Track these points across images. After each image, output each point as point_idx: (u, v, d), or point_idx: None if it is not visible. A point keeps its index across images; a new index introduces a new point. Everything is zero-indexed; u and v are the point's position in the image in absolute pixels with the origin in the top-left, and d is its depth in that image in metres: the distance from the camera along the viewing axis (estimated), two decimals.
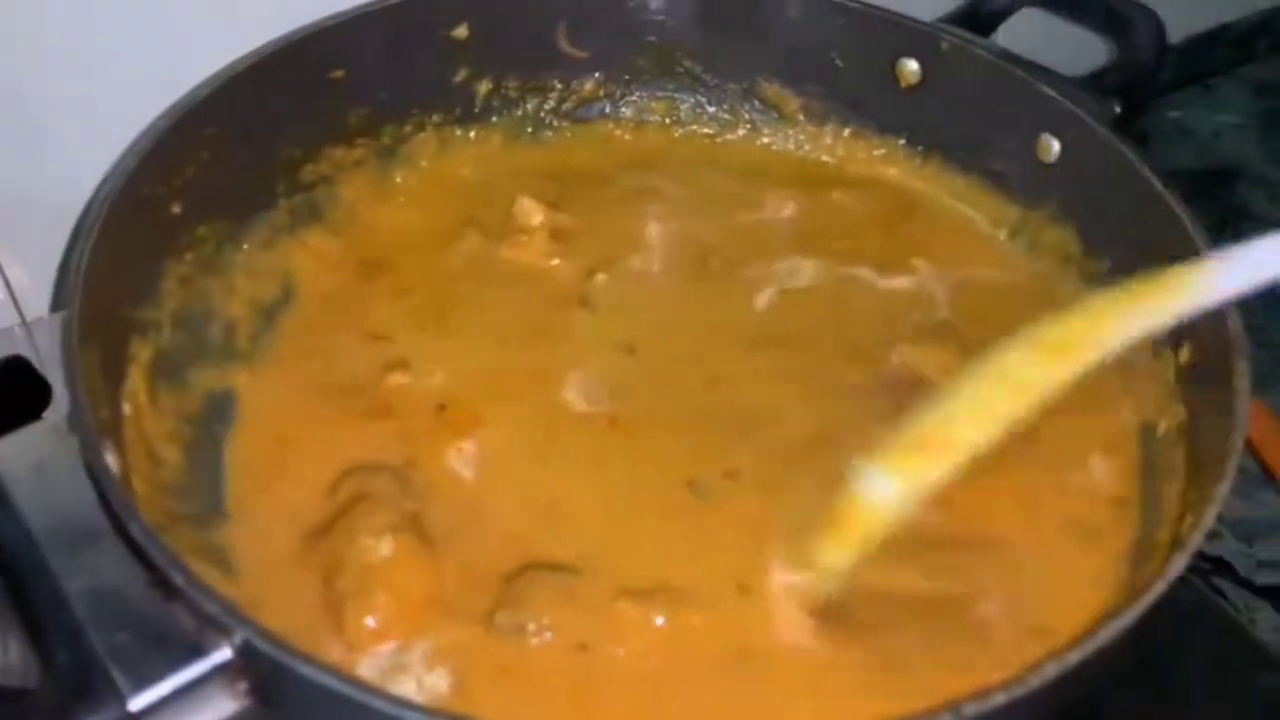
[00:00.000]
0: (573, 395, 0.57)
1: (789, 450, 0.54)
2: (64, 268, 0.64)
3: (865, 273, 0.64)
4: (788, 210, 0.67)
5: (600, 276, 0.62)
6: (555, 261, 0.63)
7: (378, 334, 0.59)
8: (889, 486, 0.45)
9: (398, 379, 0.57)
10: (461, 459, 0.54)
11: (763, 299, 0.62)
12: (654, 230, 0.66)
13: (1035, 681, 0.37)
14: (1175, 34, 0.65)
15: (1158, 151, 1.07)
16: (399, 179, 0.67)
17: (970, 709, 0.36)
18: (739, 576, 0.49)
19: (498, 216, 0.65)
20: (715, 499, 0.52)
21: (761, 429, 0.55)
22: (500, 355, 0.59)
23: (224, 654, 0.39)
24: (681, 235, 0.66)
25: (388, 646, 0.46)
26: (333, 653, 0.46)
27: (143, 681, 0.39)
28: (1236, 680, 0.60)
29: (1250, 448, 0.81)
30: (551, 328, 0.60)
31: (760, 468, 0.53)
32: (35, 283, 0.66)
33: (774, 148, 0.71)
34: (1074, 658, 0.38)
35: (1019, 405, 0.44)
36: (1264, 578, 0.78)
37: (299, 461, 0.53)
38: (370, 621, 0.46)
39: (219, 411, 0.55)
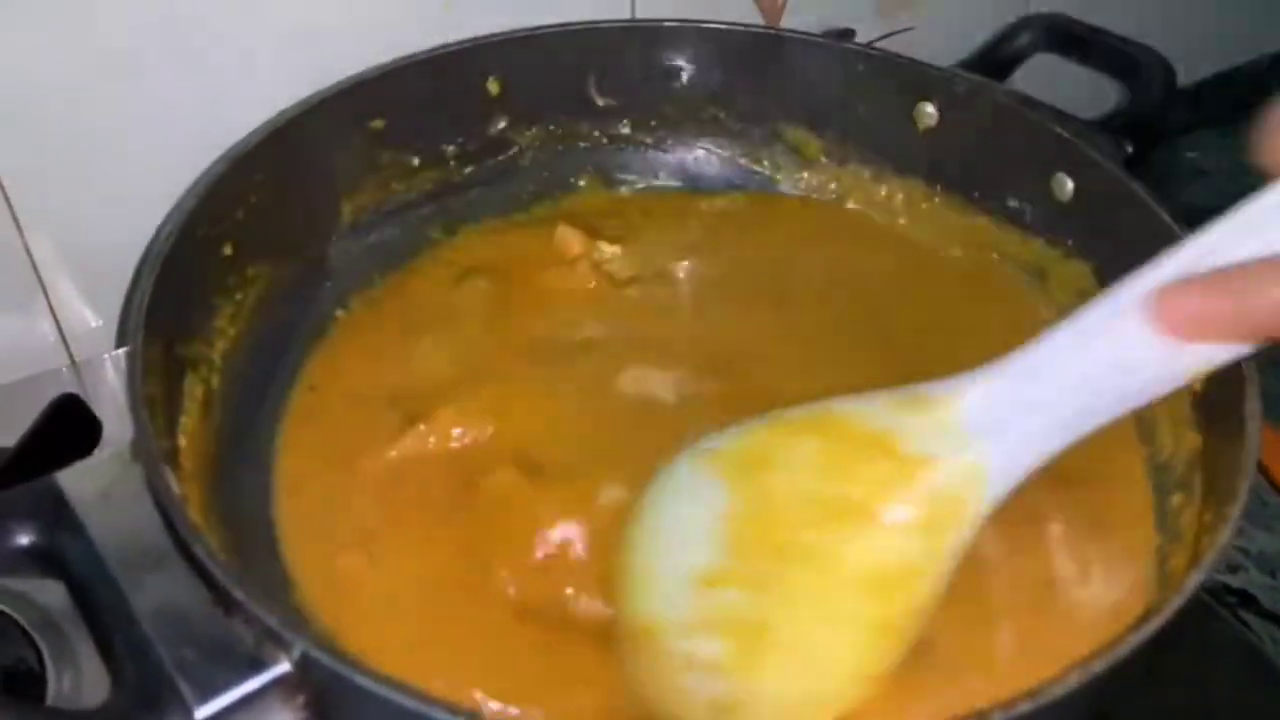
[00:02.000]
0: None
1: None
2: (128, 304, 0.66)
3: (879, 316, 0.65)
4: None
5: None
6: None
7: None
8: None
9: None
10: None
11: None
12: None
13: (1059, 690, 0.38)
14: (1189, 76, 0.66)
15: (1175, 191, 1.08)
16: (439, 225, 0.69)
17: (998, 716, 0.37)
18: None
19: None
20: None
21: None
22: None
23: (283, 667, 0.41)
24: None
25: None
26: None
27: (208, 692, 0.40)
28: (1264, 711, 0.60)
29: (1271, 481, 0.82)
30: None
31: None
32: (86, 325, 0.69)
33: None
34: (1098, 666, 0.39)
35: None
36: None
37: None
38: None
39: None
